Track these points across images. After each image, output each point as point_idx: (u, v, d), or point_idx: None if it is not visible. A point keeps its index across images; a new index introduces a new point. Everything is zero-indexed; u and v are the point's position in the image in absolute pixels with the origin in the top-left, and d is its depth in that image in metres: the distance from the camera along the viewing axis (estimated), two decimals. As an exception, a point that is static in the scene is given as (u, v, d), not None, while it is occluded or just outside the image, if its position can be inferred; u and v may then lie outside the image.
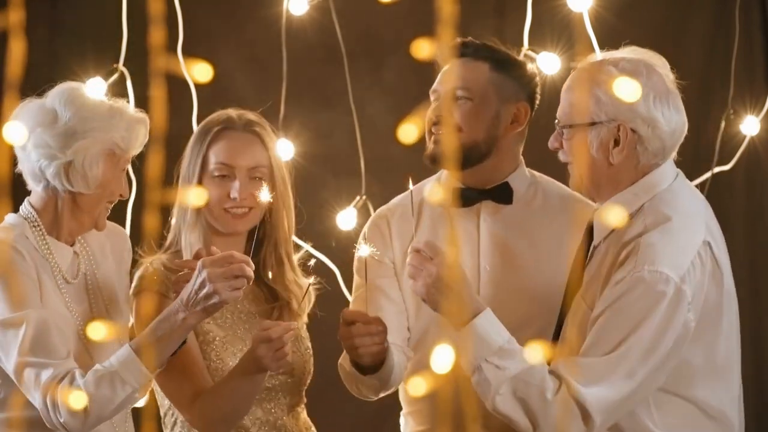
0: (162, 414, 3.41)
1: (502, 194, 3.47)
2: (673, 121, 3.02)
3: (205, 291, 2.98)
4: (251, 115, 3.42)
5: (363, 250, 3.25)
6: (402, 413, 3.60)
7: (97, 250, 3.25)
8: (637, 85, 2.98)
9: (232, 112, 3.42)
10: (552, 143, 3.11)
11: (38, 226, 3.11)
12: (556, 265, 3.43)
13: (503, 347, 2.96)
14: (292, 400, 3.42)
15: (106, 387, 2.94)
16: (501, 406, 2.93)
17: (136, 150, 3.15)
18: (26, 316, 2.96)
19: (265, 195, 3.25)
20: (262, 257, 3.41)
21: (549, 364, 3.00)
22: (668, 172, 3.05)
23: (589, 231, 3.14)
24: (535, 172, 3.57)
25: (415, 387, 3.37)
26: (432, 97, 3.47)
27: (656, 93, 3.00)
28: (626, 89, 2.97)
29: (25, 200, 3.16)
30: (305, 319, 3.53)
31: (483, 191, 3.47)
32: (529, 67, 3.53)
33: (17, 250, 3.03)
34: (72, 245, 3.17)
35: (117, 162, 3.12)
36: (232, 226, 3.36)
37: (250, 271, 3.01)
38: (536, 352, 2.98)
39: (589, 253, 3.12)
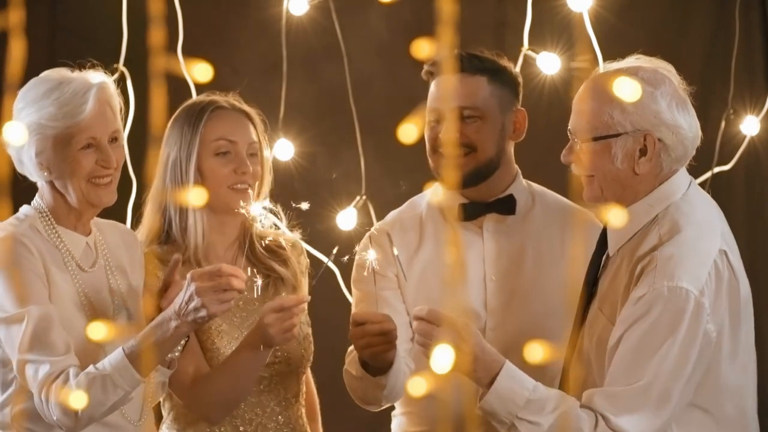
0: (162, 398, 3.41)
1: (506, 206, 3.48)
2: (693, 125, 3.01)
3: (193, 304, 2.98)
4: (232, 97, 3.44)
5: (371, 254, 3.22)
6: (394, 414, 3.59)
7: (114, 248, 3.24)
8: (659, 94, 2.97)
9: (213, 96, 3.44)
10: (566, 157, 3.06)
11: (47, 215, 3.12)
12: (558, 271, 3.45)
13: (531, 399, 2.93)
14: (290, 389, 3.42)
15: (98, 389, 2.94)
16: None
17: (86, 119, 3.06)
18: (28, 312, 2.96)
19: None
20: (251, 236, 3.43)
21: (557, 363, 3.00)
22: (682, 181, 3.03)
23: (602, 240, 3.12)
24: (530, 182, 3.58)
25: (416, 387, 3.37)
26: (431, 117, 3.45)
27: (677, 100, 2.99)
28: (647, 101, 2.96)
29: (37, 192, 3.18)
30: (306, 287, 3.52)
31: (487, 204, 3.47)
32: (512, 68, 3.52)
33: (23, 244, 3.03)
34: (87, 235, 3.16)
35: (66, 141, 3.06)
36: (237, 202, 3.32)
37: (239, 283, 3.01)
38: (564, 395, 2.95)
39: (602, 263, 3.11)
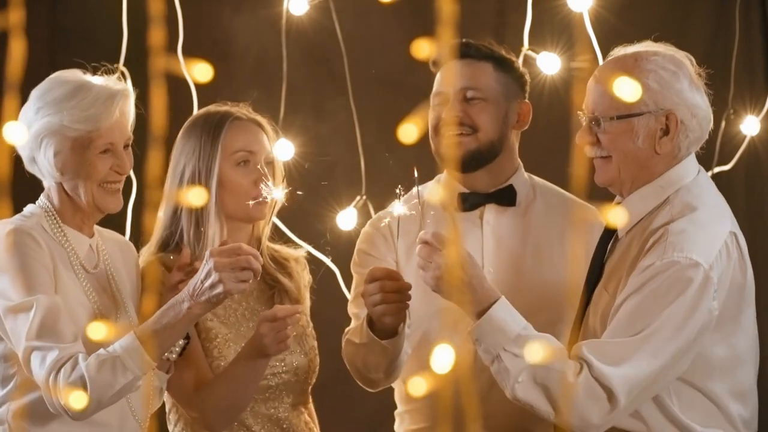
0: (167, 410, 3.42)
1: (506, 197, 3.48)
2: (709, 108, 3.07)
3: (210, 280, 2.97)
4: (243, 107, 3.46)
5: (397, 208, 3.20)
6: (396, 412, 3.59)
7: (114, 257, 3.25)
8: (681, 74, 3.02)
9: (226, 107, 3.45)
10: (583, 138, 3.07)
11: (53, 215, 3.12)
12: (558, 265, 3.45)
13: (521, 334, 2.96)
14: (296, 399, 3.42)
15: (107, 372, 2.92)
16: (521, 394, 2.92)
17: (108, 124, 3.09)
18: (36, 301, 2.95)
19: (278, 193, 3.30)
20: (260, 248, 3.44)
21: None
22: (692, 166, 3.08)
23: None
24: (532, 175, 3.58)
25: (416, 387, 3.36)
26: (435, 101, 3.46)
27: (695, 83, 3.05)
28: (670, 80, 3.00)
29: (43, 192, 3.18)
30: (308, 300, 3.53)
31: (487, 195, 3.47)
32: (519, 64, 3.55)
33: (32, 236, 3.04)
34: (91, 237, 3.17)
35: (86, 144, 3.08)
36: (259, 213, 3.37)
37: (257, 264, 3.00)
38: (555, 340, 2.98)
39: (610, 246, 3.13)
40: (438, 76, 3.49)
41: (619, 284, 2.99)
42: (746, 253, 3.04)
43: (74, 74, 3.13)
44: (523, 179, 3.53)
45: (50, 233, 3.10)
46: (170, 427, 3.42)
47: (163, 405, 3.39)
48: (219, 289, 2.97)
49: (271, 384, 3.35)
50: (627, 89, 2.97)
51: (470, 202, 3.47)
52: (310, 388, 3.48)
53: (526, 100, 3.52)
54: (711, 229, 2.97)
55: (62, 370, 2.92)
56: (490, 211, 3.48)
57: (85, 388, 2.91)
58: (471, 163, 3.43)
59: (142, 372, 2.96)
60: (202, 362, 3.30)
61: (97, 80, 3.13)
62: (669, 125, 3.01)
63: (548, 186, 3.59)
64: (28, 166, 3.13)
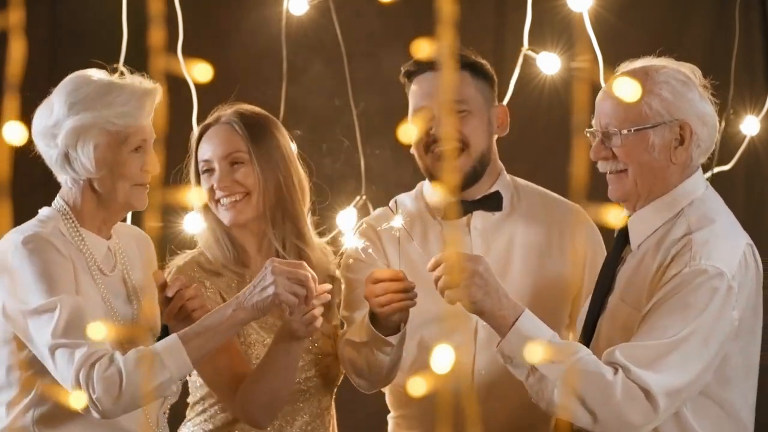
0: (192, 401, 3.42)
1: (492, 202, 3.47)
2: (716, 117, 3.08)
3: (263, 283, 2.98)
4: (240, 107, 3.44)
5: (397, 221, 3.23)
6: (389, 416, 3.59)
7: (129, 252, 3.24)
8: (691, 84, 3.04)
9: (224, 109, 3.44)
10: (597, 153, 3.07)
11: (70, 218, 3.10)
12: (547, 266, 3.45)
13: (552, 342, 2.95)
14: (323, 402, 3.43)
15: (145, 368, 2.89)
16: (560, 400, 2.91)
17: (144, 122, 3.09)
18: (60, 301, 2.93)
19: None
20: (285, 245, 3.42)
21: None
22: (701, 180, 3.09)
23: (621, 236, 3.14)
24: (514, 177, 3.58)
25: (415, 387, 3.36)
26: (418, 116, 3.42)
27: (704, 94, 3.06)
28: (682, 90, 3.02)
29: (58, 194, 3.15)
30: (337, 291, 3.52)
31: (473, 202, 3.47)
32: (488, 64, 3.51)
33: (52, 244, 3.00)
34: (108, 239, 3.15)
35: (122, 140, 3.06)
36: (228, 217, 3.36)
37: (313, 286, 3.03)
38: (584, 347, 2.98)
39: (621, 257, 3.13)
40: (415, 89, 3.44)
41: (638, 297, 3.00)
42: (761, 265, 3.05)
43: (98, 73, 3.12)
44: (507, 182, 3.53)
45: (68, 237, 3.07)
46: (191, 414, 3.42)
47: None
48: (269, 291, 2.97)
49: (303, 388, 3.36)
50: (639, 102, 2.99)
51: (459, 209, 3.45)
52: (335, 390, 3.49)
53: (501, 103, 3.51)
54: (731, 240, 2.99)
55: (97, 364, 2.87)
56: (477, 218, 3.47)
57: (120, 383, 2.87)
58: (469, 181, 3.43)
59: (179, 373, 2.94)
60: (239, 356, 3.29)
61: (124, 79, 3.12)
62: (683, 135, 3.02)
63: (531, 186, 3.58)
64: (55, 164, 3.09)
